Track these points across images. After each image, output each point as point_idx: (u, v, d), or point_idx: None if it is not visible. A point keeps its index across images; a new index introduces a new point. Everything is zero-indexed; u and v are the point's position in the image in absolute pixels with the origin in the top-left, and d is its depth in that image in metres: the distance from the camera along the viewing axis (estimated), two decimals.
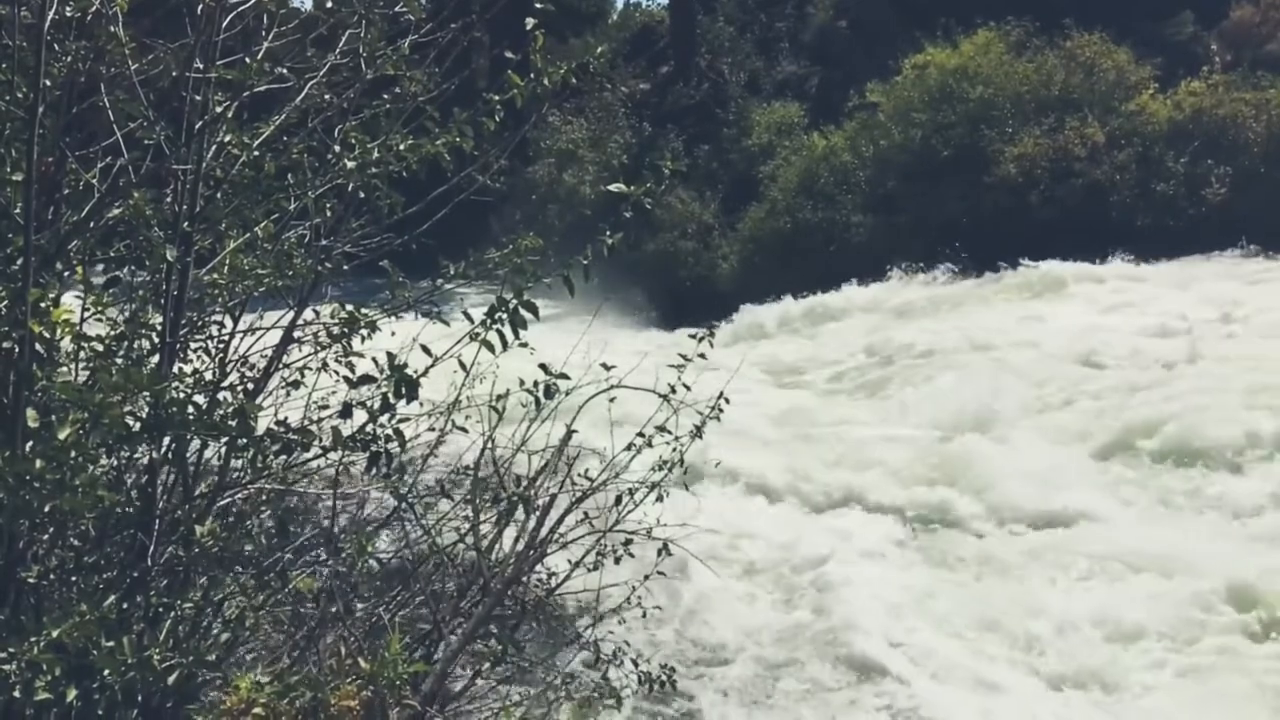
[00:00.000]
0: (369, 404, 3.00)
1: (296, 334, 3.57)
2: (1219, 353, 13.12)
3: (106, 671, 2.45)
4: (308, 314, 3.59)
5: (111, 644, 2.45)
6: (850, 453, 11.48)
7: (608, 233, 3.52)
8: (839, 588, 8.39)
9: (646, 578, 4.49)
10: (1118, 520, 9.37)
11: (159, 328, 3.06)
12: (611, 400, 4.08)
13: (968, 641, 7.61)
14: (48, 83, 2.78)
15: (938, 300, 18.63)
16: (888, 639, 7.63)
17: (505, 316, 3.12)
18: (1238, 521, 9.19)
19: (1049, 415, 12.08)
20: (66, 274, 3.05)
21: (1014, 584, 8.51)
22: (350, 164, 3.33)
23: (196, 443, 3.03)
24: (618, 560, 4.26)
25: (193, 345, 3.44)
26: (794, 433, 12.47)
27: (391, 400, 2.95)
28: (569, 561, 4.22)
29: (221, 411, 2.77)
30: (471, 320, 3.19)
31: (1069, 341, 14.49)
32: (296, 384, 3.67)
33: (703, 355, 4.33)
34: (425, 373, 3.09)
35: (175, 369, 3.16)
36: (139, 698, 2.75)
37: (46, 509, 2.46)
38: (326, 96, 3.55)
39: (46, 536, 2.86)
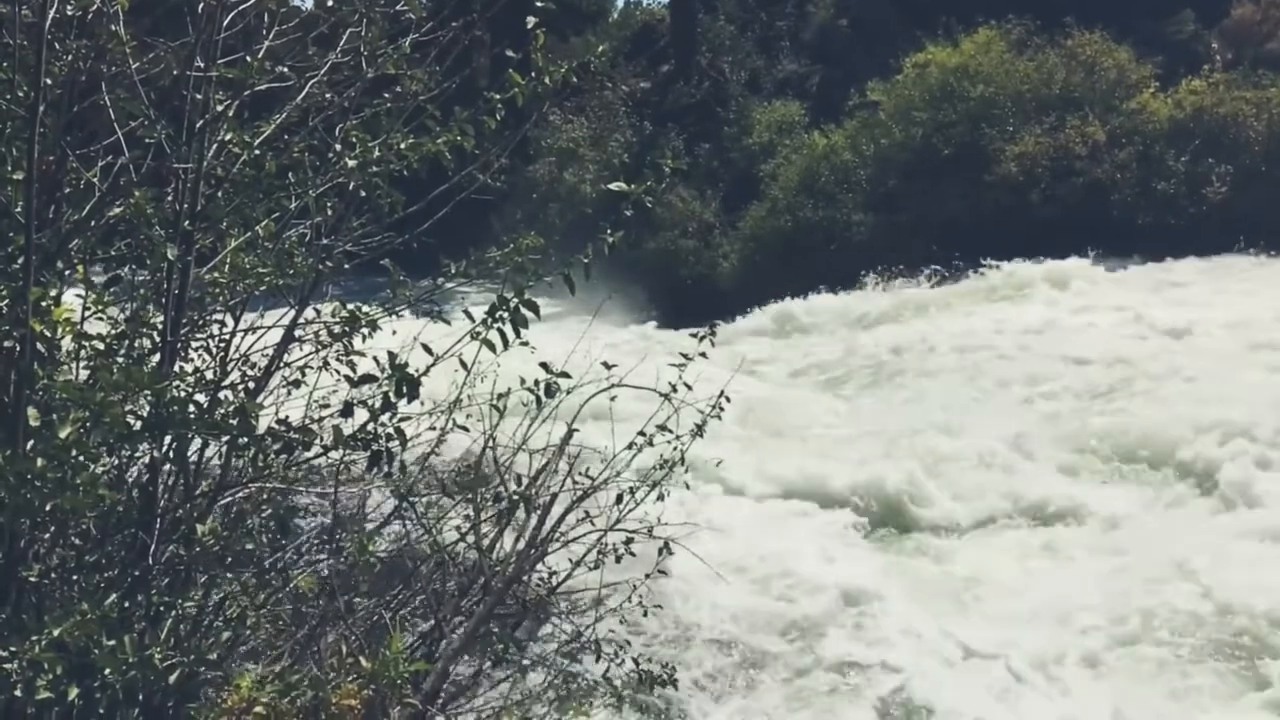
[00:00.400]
0: (370, 403, 3.00)
1: (297, 333, 3.57)
2: (1183, 355, 13.38)
3: (108, 670, 2.45)
4: (309, 313, 3.59)
5: (113, 643, 2.45)
6: (814, 448, 11.74)
7: (608, 231, 3.52)
8: (809, 577, 8.61)
9: (648, 576, 4.49)
10: (1074, 510, 9.81)
11: (160, 326, 3.06)
12: (612, 399, 4.08)
13: (935, 624, 7.88)
14: (49, 81, 2.78)
15: (908, 303, 18.82)
16: (857, 625, 7.88)
17: (506, 315, 3.12)
18: (1186, 513, 9.63)
19: (1011, 414, 12.32)
20: (67, 273, 3.05)
21: (976, 568, 8.94)
22: (351, 163, 3.33)
23: (198, 441, 3.03)
24: (618, 559, 4.26)
25: (194, 344, 3.44)
26: (760, 429, 12.61)
27: (392, 399, 2.95)
28: (570, 560, 4.22)
29: (222, 410, 2.77)
30: (472, 319, 3.18)
31: (1034, 342, 14.87)
32: (297, 383, 3.67)
33: (704, 354, 4.33)
34: (426, 371, 3.09)
35: (176, 368, 3.16)
36: (140, 696, 2.75)
37: (48, 508, 2.46)
38: (327, 95, 3.55)
39: (48, 535, 2.86)
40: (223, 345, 3.47)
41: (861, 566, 8.98)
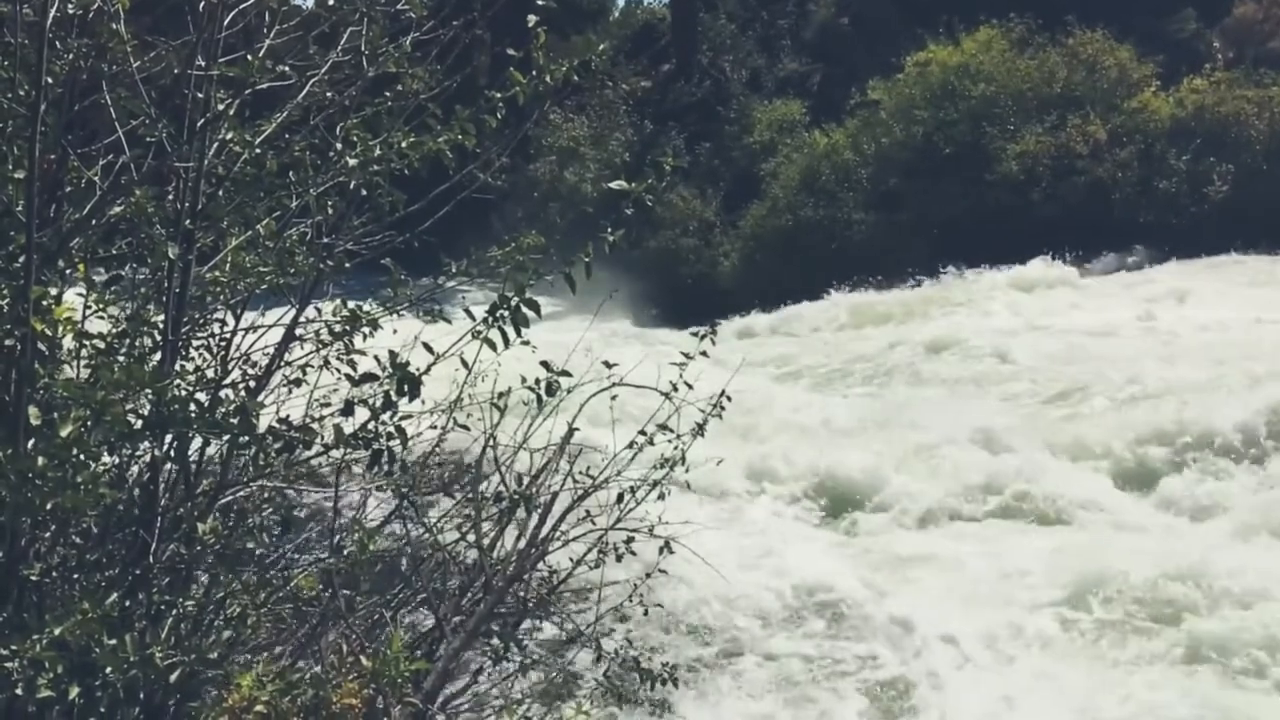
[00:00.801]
0: (371, 402, 3.00)
1: (298, 332, 3.57)
2: (1147, 357, 13.60)
3: (109, 669, 2.46)
4: (309, 312, 3.59)
5: (114, 642, 2.45)
6: (782, 441, 11.93)
7: (609, 230, 3.52)
8: (777, 565, 8.84)
9: (649, 575, 4.49)
10: (1029, 499, 10.15)
11: (161, 325, 3.06)
12: (613, 398, 4.08)
13: (901, 606, 8.13)
14: (49, 80, 2.78)
15: (874, 307, 19.01)
16: (822, 611, 8.16)
17: (507, 314, 3.12)
18: (1134, 506, 10.01)
19: (972, 411, 12.56)
20: (68, 271, 3.05)
21: (932, 551, 9.28)
22: (352, 161, 3.32)
23: (198, 440, 3.03)
24: (619, 558, 4.26)
25: (194, 343, 3.44)
26: (727, 425, 12.71)
27: (393, 398, 2.95)
28: (570, 559, 4.23)
29: (223, 409, 2.77)
30: (473, 318, 3.18)
31: (1001, 345, 15.18)
32: (298, 382, 3.67)
33: (704, 353, 4.33)
34: (427, 370, 3.09)
35: (177, 366, 3.16)
36: (141, 695, 2.75)
37: (49, 506, 2.46)
38: (328, 94, 3.55)
39: (49, 534, 2.86)
40: (223, 344, 3.47)
41: (825, 552, 9.31)
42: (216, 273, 3.30)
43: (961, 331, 16.15)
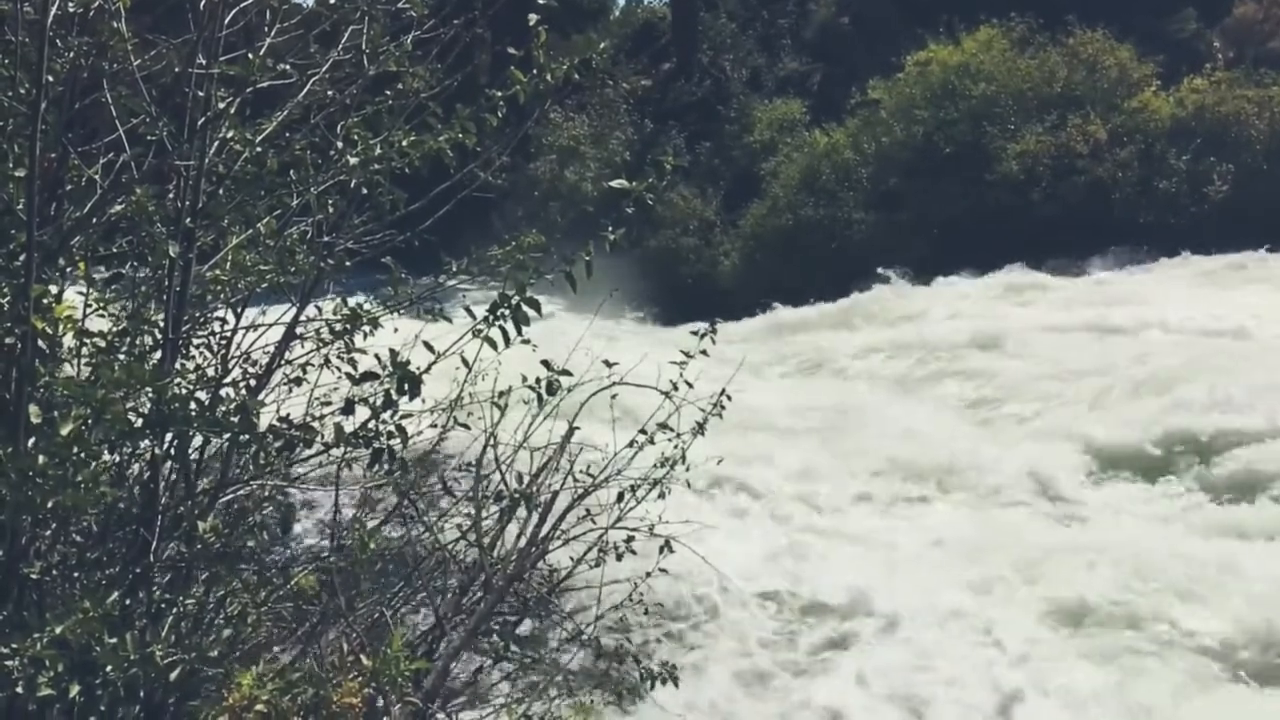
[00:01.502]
0: (371, 400, 3.00)
1: (299, 330, 3.57)
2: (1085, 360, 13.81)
3: (109, 668, 2.46)
4: (310, 310, 3.59)
5: (114, 640, 2.45)
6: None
7: (609, 229, 3.52)
8: (723, 547, 9.03)
9: (649, 574, 4.50)
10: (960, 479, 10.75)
11: (161, 324, 3.06)
12: (614, 397, 4.08)
13: (849, 586, 8.48)
14: (50, 78, 2.78)
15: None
16: (770, 600, 8.50)
17: (508, 313, 3.12)
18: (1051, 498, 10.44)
19: (909, 407, 13.00)
20: (69, 270, 3.05)
21: (867, 533, 9.74)
22: (353, 160, 3.32)
23: (199, 439, 3.03)
24: (619, 557, 4.26)
25: (195, 341, 3.44)
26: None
27: (394, 397, 2.95)
28: (571, 558, 4.23)
29: (224, 408, 2.77)
30: (474, 316, 3.18)
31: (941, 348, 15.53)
32: (299, 380, 3.67)
33: (704, 352, 4.33)
34: (428, 369, 3.09)
35: (177, 365, 3.16)
36: (141, 694, 2.75)
37: (49, 505, 2.46)
38: (329, 93, 3.55)
39: (49, 532, 2.86)
40: (224, 342, 3.47)
41: (762, 534, 9.64)
42: (217, 271, 3.30)
43: (903, 336, 16.28)
